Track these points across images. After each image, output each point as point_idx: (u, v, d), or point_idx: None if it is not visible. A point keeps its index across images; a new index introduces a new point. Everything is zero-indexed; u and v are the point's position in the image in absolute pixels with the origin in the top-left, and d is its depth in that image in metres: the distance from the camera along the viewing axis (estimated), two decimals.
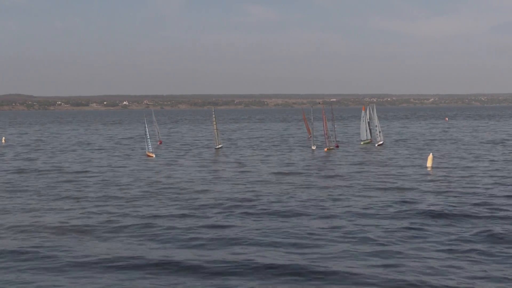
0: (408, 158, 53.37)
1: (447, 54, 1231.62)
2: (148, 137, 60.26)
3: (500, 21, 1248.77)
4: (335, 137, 68.13)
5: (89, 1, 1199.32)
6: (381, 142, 69.58)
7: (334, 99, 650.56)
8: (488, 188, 34.13)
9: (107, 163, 53.18)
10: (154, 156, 58.12)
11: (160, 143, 79.30)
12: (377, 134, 70.50)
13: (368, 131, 72.12)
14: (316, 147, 67.13)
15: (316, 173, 43.51)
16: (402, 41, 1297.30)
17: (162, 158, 56.91)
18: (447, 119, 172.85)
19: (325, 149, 64.34)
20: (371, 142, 71.54)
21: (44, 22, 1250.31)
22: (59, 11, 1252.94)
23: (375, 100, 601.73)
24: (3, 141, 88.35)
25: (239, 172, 44.53)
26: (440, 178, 38.88)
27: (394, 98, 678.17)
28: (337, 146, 67.72)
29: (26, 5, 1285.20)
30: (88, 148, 73.52)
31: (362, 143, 71.67)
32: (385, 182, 37.60)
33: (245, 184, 37.15)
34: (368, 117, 73.31)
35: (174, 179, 40.67)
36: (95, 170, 47.12)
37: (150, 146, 59.72)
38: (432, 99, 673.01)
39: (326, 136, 66.03)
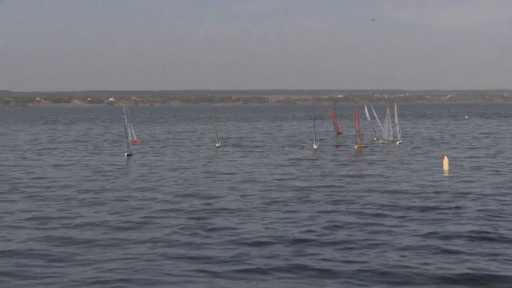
0: (423, 161, 56.28)
1: (466, 46, 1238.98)
2: (127, 136, 65.80)
3: None
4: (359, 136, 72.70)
5: None
6: (400, 141, 76.08)
7: (341, 96, 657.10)
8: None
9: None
10: (126, 156, 64.05)
11: (137, 142, 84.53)
12: (397, 133, 77.00)
13: (391, 130, 77.32)
14: (318, 146, 73.46)
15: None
16: (415, 31, 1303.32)
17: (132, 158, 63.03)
18: (467, 117, 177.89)
19: (356, 146, 70.93)
20: (388, 142, 76.76)
21: (22, 11, 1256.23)
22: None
23: (386, 97, 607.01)
24: None
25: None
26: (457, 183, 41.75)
27: (407, 94, 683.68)
28: (338, 146, 74.03)
29: None
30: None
31: (381, 142, 77.34)
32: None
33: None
34: (367, 116, 79.71)
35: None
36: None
37: (127, 145, 65.00)
38: (450, 95, 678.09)
39: (358, 134, 72.53)
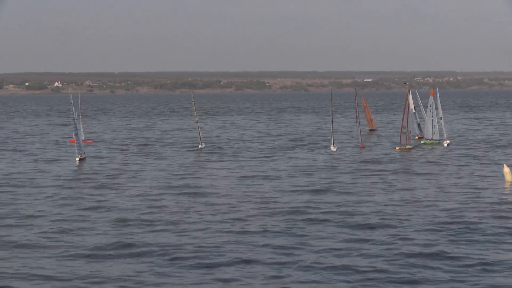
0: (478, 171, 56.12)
1: None
2: (78, 133, 66.81)
3: None
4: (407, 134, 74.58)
5: None
6: (448, 141, 77.05)
7: (369, 79, 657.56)
8: None
9: None
10: (77, 160, 65.07)
11: (88, 142, 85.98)
12: (443, 130, 77.90)
13: (436, 126, 78.03)
14: (337, 148, 73.39)
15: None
16: None
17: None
18: None
19: (397, 148, 73.34)
20: (432, 142, 77.78)
21: None
22: None
23: (430, 81, 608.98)
24: None
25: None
26: None
27: (459, 78, 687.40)
28: (362, 147, 75.33)
29: None
30: None
31: (422, 142, 78.81)
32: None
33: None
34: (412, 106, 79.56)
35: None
36: None
37: (78, 147, 65.76)
38: None
39: (407, 131, 74.31)
